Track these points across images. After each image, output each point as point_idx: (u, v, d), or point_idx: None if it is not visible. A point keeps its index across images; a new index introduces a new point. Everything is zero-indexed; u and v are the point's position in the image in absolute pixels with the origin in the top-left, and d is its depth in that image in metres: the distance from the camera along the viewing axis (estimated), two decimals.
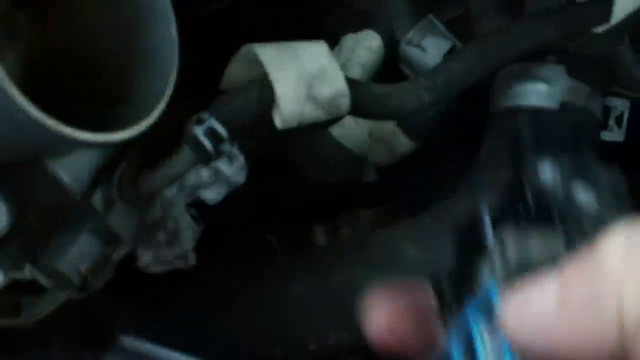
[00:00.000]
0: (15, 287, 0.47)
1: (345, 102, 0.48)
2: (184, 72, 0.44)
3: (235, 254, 0.80)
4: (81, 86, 0.41)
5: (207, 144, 0.45)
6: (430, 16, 0.71)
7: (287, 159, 0.83)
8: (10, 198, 0.44)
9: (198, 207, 0.59)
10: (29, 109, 0.33)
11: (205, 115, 0.45)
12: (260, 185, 0.67)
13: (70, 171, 0.43)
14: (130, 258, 0.53)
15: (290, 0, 0.81)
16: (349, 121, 0.68)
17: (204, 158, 0.45)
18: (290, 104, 0.45)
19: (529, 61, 0.60)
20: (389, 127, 0.68)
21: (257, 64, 0.46)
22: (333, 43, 0.71)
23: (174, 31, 0.44)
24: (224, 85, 0.53)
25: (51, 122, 0.34)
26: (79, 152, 0.44)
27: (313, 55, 0.45)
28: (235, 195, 0.57)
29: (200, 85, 0.49)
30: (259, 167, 0.59)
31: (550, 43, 0.56)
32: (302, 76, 0.45)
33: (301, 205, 0.76)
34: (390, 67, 0.70)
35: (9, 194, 0.44)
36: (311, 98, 0.46)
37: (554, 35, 0.55)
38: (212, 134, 0.45)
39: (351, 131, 0.70)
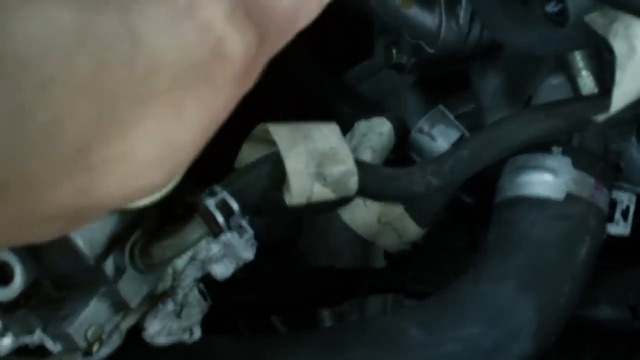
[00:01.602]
0: (17, 350, 0.48)
1: (353, 181, 0.50)
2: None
3: (238, 333, 0.80)
4: None
5: (218, 216, 0.46)
6: (441, 106, 0.74)
7: (296, 241, 0.84)
8: (26, 261, 0.45)
9: (206, 284, 0.60)
10: None
11: (217, 187, 0.47)
12: (268, 266, 0.68)
13: (85, 236, 0.45)
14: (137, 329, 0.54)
15: (305, 92, 0.84)
16: (359, 206, 0.70)
17: (215, 230, 0.47)
18: (300, 180, 0.47)
19: (535, 152, 0.62)
20: (398, 211, 0.70)
21: (270, 142, 0.48)
22: (346, 130, 0.74)
23: None
24: (238, 164, 0.55)
25: None
26: None
27: (324, 135, 0.47)
28: (243, 274, 0.58)
29: (214, 162, 0.52)
30: (269, 247, 0.60)
31: (554, 134, 0.58)
32: (313, 154, 0.47)
33: (308, 289, 0.77)
34: (400, 154, 0.72)
35: (24, 257, 0.45)
36: (321, 176, 0.48)
37: (556, 126, 0.57)
38: (223, 206, 0.46)
39: (360, 216, 0.71)
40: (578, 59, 0.63)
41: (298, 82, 0.84)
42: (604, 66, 0.60)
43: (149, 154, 0.24)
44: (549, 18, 0.51)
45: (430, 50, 0.71)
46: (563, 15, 0.50)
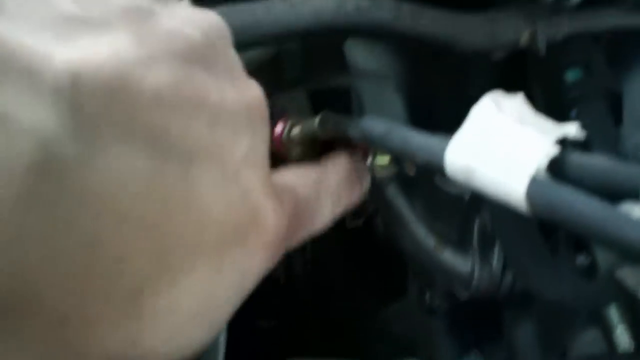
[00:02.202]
0: None
1: None
2: None
3: None
4: None
5: None
6: (476, 351, 0.72)
7: None
8: None
9: None
10: None
11: None
12: None
13: None
14: None
15: (340, 328, 0.84)
16: None
17: None
18: None
19: None
20: None
21: None
22: None
23: (222, 337, 0.47)
24: None
25: None
26: None
27: None
28: None
29: None
30: None
31: None
32: None
33: None
34: None
35: None
36: None
37: None
38: None
39: None
40: (613, 313, 0.62)
41: (334, 316, 0.84)
42: None
43: (193, 308, 0.24)
44: (579, 271, 0.51)
45: (464, 295, 0.71)
46: (593, 269, 0.50)
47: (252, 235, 0.26)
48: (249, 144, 0.26)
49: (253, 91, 0.28)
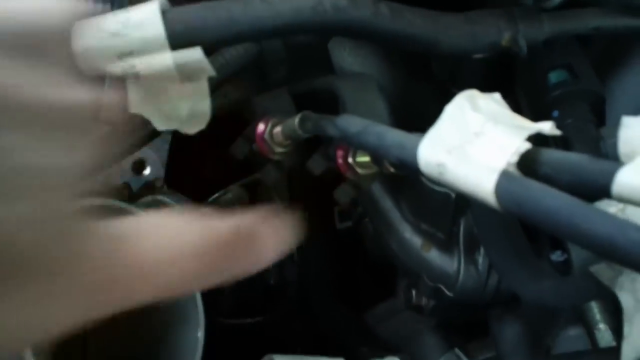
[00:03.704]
0: None
1: None
2: None
3: None
4: None
5: None
6: (457, 349, 0.73)
7: None
8: None
9: None
10: None
11: None
12: None
13: None
14: None
15: (326, 331, 0.84)
16: None
17: None
18: None
19: None
20: None
21: None
22: None
23: (200, 333, 0.47)
24: None
25: None
26: None
27: None
28: None
29: None
30: None
31: None
32: None
33: None
34: None
35: None
36: None
37: None
38: None
39: None
40: (595, 311, 0.63)
41: (320, 319, 0.85)
42: (621, 319, 0.60)
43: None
44: (554, 267, 0.52)
45: (449, 294, 0.72)
46: (567, 264, 0.51)
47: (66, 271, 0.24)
48: (65, 159, 0.24)
49: (79, 95, 0.25)
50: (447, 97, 0.40)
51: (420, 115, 0.70)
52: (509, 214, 0.34)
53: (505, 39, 0.57)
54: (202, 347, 0.46)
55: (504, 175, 0.35)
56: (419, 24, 0.50)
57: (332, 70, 0.70)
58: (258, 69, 0.61)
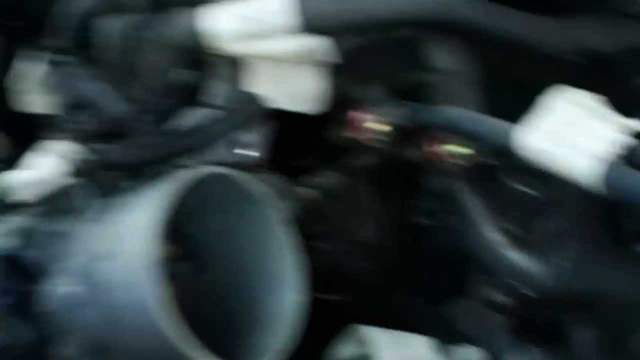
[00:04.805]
0: None
1: None
2: None
3: None
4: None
5: None
6: (532, 350, 0.73)
7: None
8: None
9: None
10: None
11: None
12: None
13: None
14: None
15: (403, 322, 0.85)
16: None
17: None
18: None
19: None
20: None
21: (363, 343, 0.50)
22: None
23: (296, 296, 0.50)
24: None
25: None
26: None
27: (417, 343, 0.49)
28: None
29: None
30: None
31: None
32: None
33: None
34: None
35: None
36: None
37: None
38: None
39: None
40: None
41: (396, 311, 0.86)
42: None
43: None
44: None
45: (527, 293, 0.72)
46: None
47: None
48: None
49: None
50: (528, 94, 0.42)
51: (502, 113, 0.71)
52: (617, 200, 0.36)
53: (605, 44, 0.58)
54: (297, 309, 0.49)
55: (614, 166, 0.36)
56: (525, 26, 0.52)
57: (421, 66, 0.71)
58: (356, 61, 0.63)
